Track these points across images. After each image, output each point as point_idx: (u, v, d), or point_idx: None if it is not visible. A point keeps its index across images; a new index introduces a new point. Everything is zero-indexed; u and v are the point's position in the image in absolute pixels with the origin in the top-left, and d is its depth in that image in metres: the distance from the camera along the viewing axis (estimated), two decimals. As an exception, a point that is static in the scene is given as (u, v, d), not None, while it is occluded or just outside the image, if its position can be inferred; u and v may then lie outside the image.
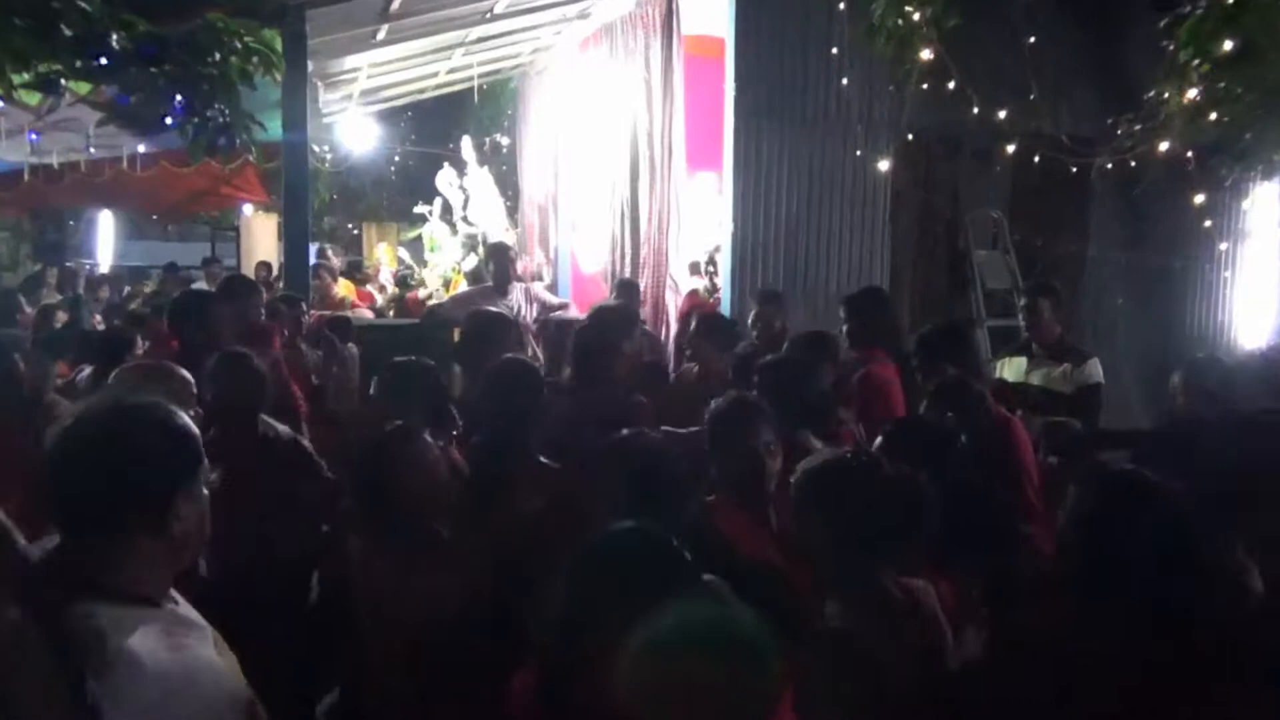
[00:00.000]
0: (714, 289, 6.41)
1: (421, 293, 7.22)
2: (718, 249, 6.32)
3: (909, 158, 6.04)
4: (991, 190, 6.41)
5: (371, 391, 2.75)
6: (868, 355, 3.69)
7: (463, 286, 6.82)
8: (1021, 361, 4.28)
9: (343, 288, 7.32)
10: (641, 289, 6.08)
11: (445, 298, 6.38)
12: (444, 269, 7.24)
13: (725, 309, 5.65)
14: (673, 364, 5.41)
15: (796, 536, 1.73)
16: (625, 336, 3.39)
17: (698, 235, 6.66)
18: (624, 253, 6.53)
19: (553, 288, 6.84)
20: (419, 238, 7.76)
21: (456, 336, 3.95)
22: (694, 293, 6.30)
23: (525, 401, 2.53)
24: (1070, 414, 3.98)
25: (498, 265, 5.58)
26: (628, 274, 6.30)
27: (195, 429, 1.50)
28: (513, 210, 7.95)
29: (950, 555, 1.79)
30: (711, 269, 6.56)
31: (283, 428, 2.87)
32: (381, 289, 7.67)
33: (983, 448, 2.60)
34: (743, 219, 5.81)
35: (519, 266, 6.28)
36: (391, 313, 7.10)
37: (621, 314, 3.82)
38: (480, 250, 6.97)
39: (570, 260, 7.18)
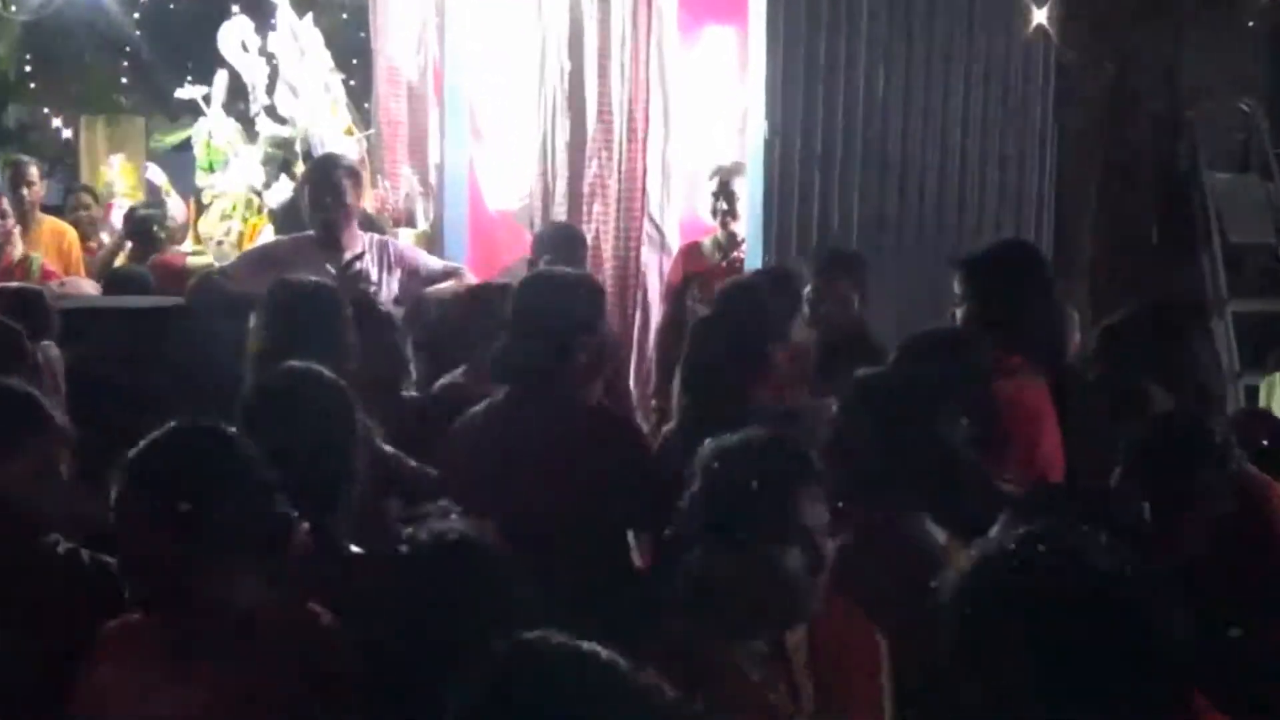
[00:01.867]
0: (729, 243, 6.02)
1: (188, 249, 6.78)
2: (736, 171, 6.02)
3: (1089, 10, 6.17)
4: (1239, 62, 6.45)
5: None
6: (1001, 363, 3.62)
7: (266, 235, 6.42)
8: None
9: (46, 235, 6.91)
10: (591, 241, 6.15)
11: (232, 258, 6.02)
12: (232, 202, 6.71)
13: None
14: (652, 380, 5.79)
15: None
16: (587, 329, 3.56)
17: (701, 146, 6.60)
18: (561, 176, 6.51)
19: (432, 243, 6.40)
20: (186, 145, 7.43)
21: (252, 331, 3.97)
22: (693, 249, 6.12)
23: (333, 466, 2.80)
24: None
25: (330, 197, 5.32)
26: (565, 214, 6.35)
27: None
28: (359, 96, 7.57)
29: None
30: (724, 207, 6.07)
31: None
32: (120, 244, 7.27)
33: (1227, 552, 2.83)
34: (784, 115, 5.78)
35: (371, 200, 6.22)
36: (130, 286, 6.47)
37: (577, 288, 3.76)
38: (299, 169, 6.52)
39: (466, 190, 6.68)
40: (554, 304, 3.58)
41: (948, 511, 2.76)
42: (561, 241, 5.56)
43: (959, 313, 3.95)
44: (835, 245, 5.55)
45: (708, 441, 2.42)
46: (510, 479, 3.21)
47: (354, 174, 5.49)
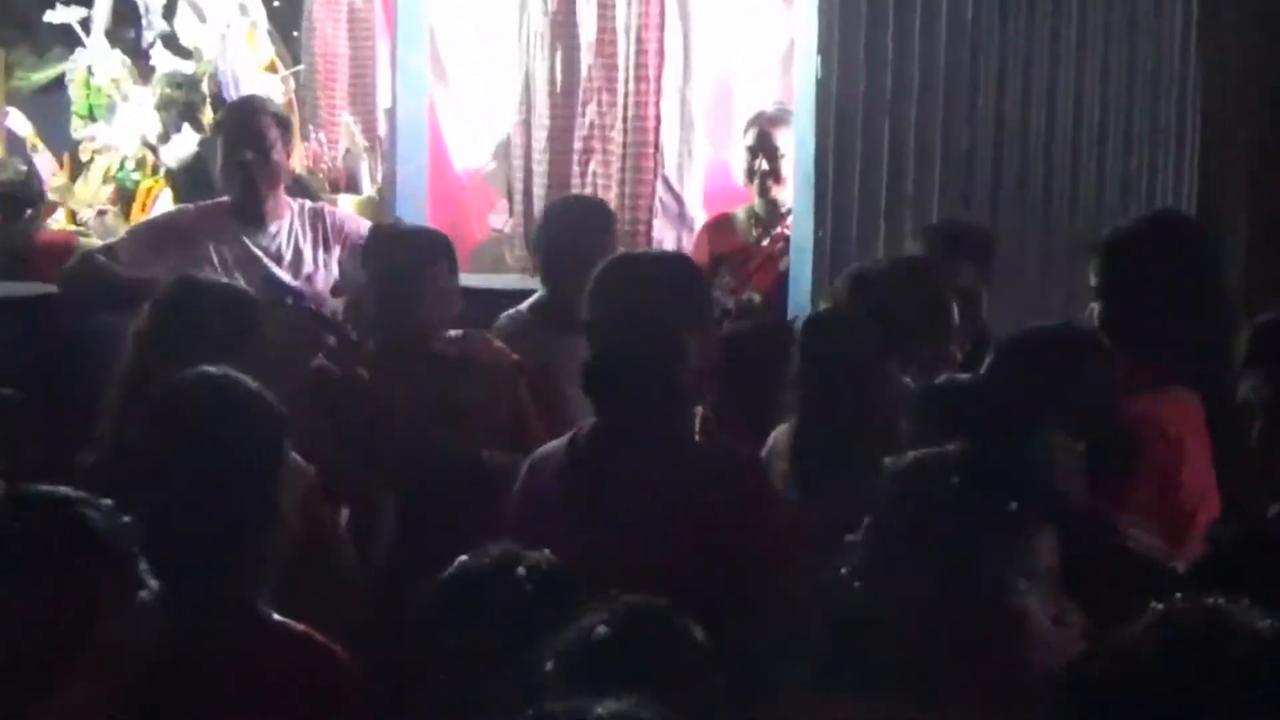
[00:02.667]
0: (770, 214, 5.88)
1: (56, 225, 6.68)
2: (780, 120, 5.95)
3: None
4: None
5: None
6: (1139, 374, 3.70)
7: (164, 204, 6.37)
8: None
9: None
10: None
11: (120, 233, 5.91)
12: (118, 159, 6.70)
13: (801, 267, 5.52)
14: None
15: None
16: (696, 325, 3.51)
17: (733, 87, 6.54)
18: (544, 125, 6.47)
19: (380, 213, 6.31)
20: (59, 85, 7.41)
21: (134, 336, 3.97)
22: (722, 223, 6.00)
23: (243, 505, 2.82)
24: None
25: (253, 152, 5.33)
26: (547, 175, 6.33)
27: None
28: (285, 22, 7.42)
29: None
30: (764, 166, 5.92)
31: None
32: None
33: None
34: (843, 47, 5.56)
35: (300, 157, 6.17)
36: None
37: (678, 272, 3.78)
38: (206, 117, 6.55)
39: (425, 144, 6.62)
40: (651, 298, 3.47)
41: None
42: (578, 221, 5.23)
43: (1094, 312, 3.99)
44: (949, 221, 5.23)
45: (889, 462, 2.53)
46: (606, 544, 3.11)
47: (283, 122, 5.50)
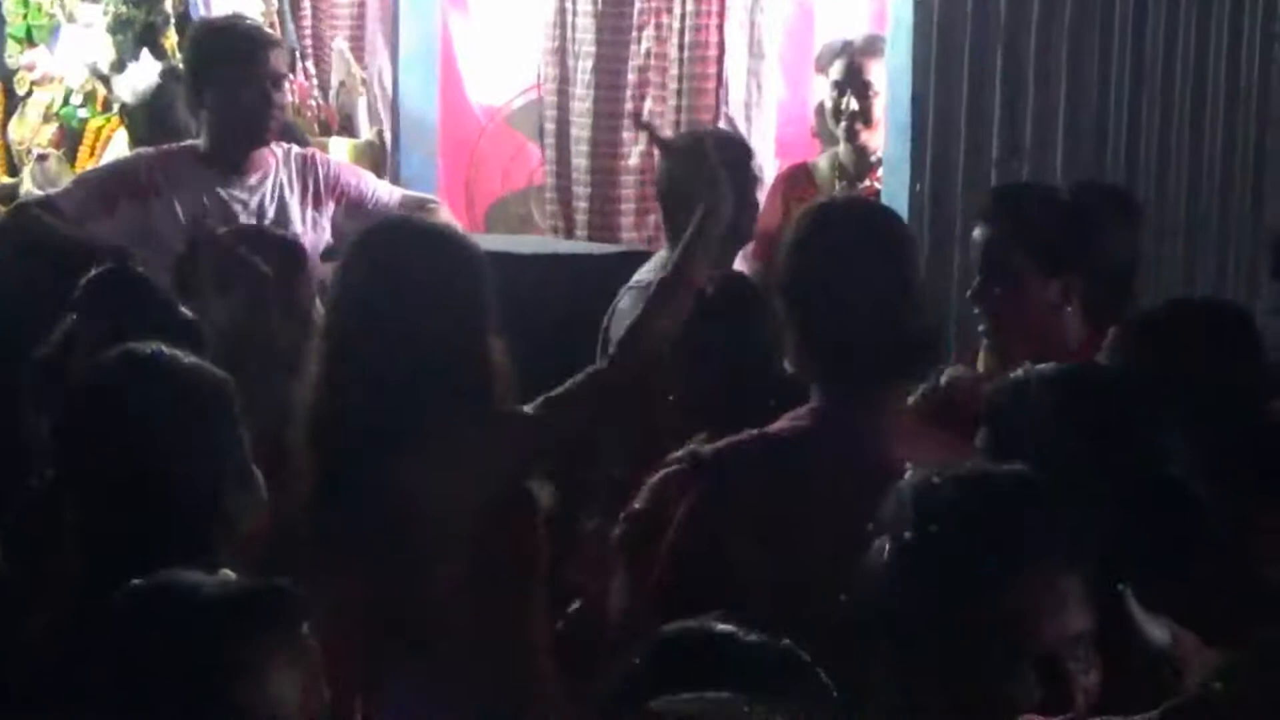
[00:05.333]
0: (858, 163, 5.70)
1: None
2: (871, 51, 5.72)
3: None
4: None
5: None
6: None
7: (118, 148, 6.37)
8: None
9: None
10: (639, 157, 6.02)
11: (64, 182, 5.77)
12: (65, 90, 6.65)
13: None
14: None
15: None
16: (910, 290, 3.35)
17: (812, 11, 6.47)
18: (588, 54, 6.27)
19: (380, 163, 6.27)
20: None
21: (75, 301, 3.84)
22: (800, 173, 5.81)
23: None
24: None
25: (262, 89, 5.16)
26: (592, 115, 6.20)
27: None
28: None
29: None
30: (853, 106, 5.65)
31: None
32: None
33: None
34: None
35: (285, 86, 5.58)
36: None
37: (886, 222, 3.59)
38: (170, 41, 6.34)
39: (436, 77, 6.45)
40: (867, 255, 3.24)
41: (1161, 590, 2.50)
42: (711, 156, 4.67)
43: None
44: (1087, 181, 4.67)
45: (910, 477, 2.33)
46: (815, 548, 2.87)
47: (288, 51, 5.67)
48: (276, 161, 5.14)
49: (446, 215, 5.28)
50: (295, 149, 5.28)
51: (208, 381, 2.95)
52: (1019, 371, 2.87)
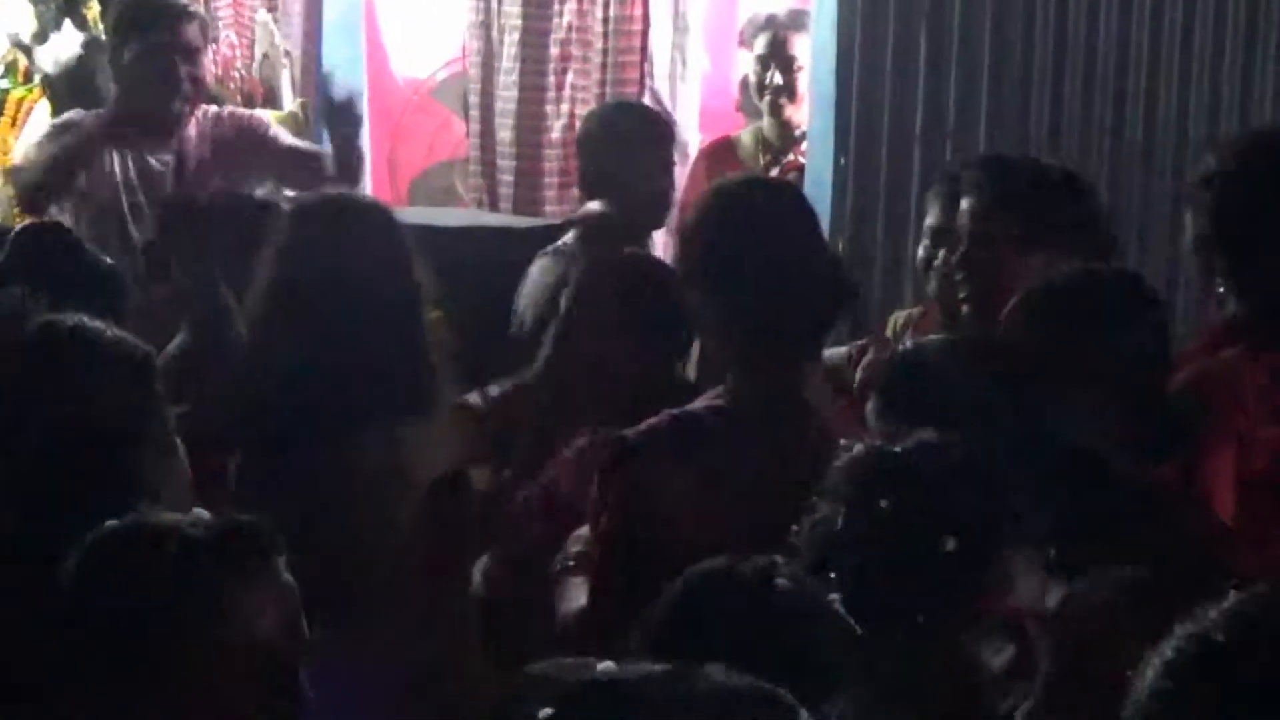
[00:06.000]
0: (782, 138, 5.82)
1: None
2: (796, 24, 5.83)
3: None
4: None
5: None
6: (1214, 333, 3.71)
7: (40, 118, 6.35)
8: None
9: None
10: (562, 130, 6.11)
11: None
12: None
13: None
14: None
15: None
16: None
17: None
18: (513, 28, 6.29)
19: (304, 133, 6.20)
20: None
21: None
22: (723, 148, 5.92)
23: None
24: None
25: (169, 64, 5.30)
26: (518, 87, 6.25)
27: None
28: None
29: None
30: (777, 80, 5.76)
31: None
32: None
33: None
34: None
35: (199, 56, 5.67)
36: None
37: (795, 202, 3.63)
38: (93, 10, 6.49)
39: (361, 49, 6.61)
40: (776, 230, 3.28)
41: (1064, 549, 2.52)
42: (625, 134, 4.94)
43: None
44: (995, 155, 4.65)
45: (857, 447, 2.44)
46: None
47: (204, 26, 5.53)
48: (196, 121, 5.30)
49: (329, 164, 5.44)
50: (211, 108, 5.45)
51: (126, 353, 2.94)
52: (908, 343, 2.92)
